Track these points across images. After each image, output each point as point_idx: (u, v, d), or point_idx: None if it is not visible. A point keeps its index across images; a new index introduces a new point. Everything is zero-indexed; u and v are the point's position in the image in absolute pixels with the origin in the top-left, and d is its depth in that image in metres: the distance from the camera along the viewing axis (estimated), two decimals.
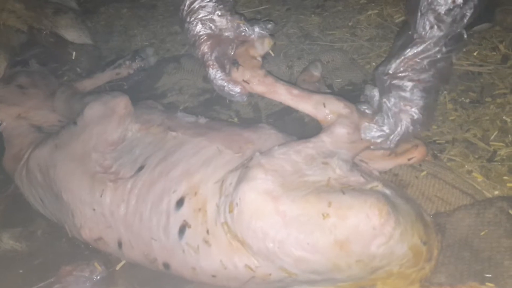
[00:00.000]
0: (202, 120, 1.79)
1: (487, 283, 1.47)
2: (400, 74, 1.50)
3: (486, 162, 1.85)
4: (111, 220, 1.64)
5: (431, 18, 1.42)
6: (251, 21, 1.68)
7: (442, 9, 1.41)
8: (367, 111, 1.60)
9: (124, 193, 1.62)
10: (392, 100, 1.51)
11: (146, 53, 2.52)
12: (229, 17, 1.60)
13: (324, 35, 2.64)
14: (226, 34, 1.61)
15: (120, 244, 1.65)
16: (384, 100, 1.53)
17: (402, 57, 1.49)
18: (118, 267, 1.74)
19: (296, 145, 1.49)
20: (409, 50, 1.47)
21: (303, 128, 2.11)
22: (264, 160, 1.43)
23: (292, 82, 2.32)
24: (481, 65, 2.29)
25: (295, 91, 1.62)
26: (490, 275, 1.49)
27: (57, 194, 1.75)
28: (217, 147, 1.58)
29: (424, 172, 1.78)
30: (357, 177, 1.45)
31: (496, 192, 1.75)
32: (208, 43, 1.58)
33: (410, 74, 1.48)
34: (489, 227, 1.60)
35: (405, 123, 1.52)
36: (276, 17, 2.82)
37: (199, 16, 1.57)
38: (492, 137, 1.95)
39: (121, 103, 1.78)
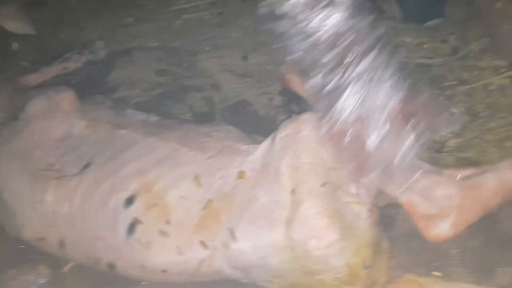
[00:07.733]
0: (154, 118, 1.75)
1: (433, 272, 1.50)
2: None
3: (435, 153, 1.89)
4: (53, 219, 1.59)
5: None
6: None
7: None
8: None
9: (68, 191, 1.57)
10: None
11: (96, 46, 2.44)
12: None
13: None
14: None
15: (62, 244, 1.60)
16: None
17: None
18: (66, 269, 1.67)
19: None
20: None
21: (257, 121, 2.10)
22: None
23: (248, 74, 2.36)
24: (431, 57, 2.34)
25: None
26: (437, 264, 1.53)
27: None
28: (172, 146, 1.54)
29: None
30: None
31: None
32: None
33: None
34: None
35: None
36: (231, 8, 2.80)
37: None
38: None
39: (66, 98, 1.73)
